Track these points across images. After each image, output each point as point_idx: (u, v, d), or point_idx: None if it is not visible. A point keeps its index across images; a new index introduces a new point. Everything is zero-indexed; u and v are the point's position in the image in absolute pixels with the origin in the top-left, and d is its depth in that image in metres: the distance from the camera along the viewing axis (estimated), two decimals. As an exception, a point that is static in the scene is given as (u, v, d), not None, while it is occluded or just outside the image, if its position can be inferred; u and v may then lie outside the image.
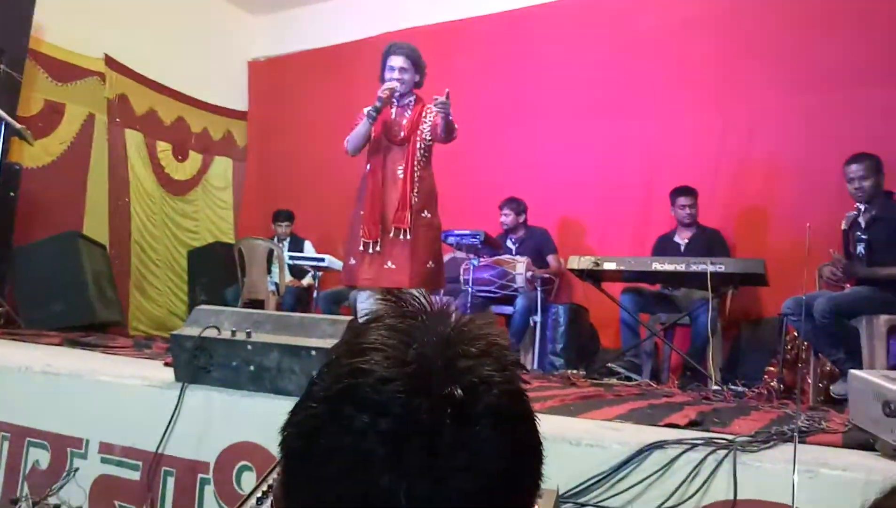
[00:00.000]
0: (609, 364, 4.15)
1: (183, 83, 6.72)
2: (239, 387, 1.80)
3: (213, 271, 6.25)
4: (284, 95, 7.00)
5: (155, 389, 1.83)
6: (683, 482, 1.35)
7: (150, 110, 6.47)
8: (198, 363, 1.82)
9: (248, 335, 1.78)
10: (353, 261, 3.51)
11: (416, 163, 3.54)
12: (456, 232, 4.57)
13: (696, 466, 1.36)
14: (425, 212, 3.54)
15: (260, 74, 7.39)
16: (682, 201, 4.53)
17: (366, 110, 3.48)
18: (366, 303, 3.58)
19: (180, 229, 6.70)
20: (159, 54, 6.43)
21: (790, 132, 4.70)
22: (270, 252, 5.65)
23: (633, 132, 5.24)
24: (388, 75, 3.56)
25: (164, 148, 6.60)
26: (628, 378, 3.98)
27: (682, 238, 4.58)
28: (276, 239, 6.01)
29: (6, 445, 1.96)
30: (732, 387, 3.58)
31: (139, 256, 6.25)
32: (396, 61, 3.57)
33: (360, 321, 0.62)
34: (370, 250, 3.43)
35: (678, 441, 1.42)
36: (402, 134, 3.54)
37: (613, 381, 3.86)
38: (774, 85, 4.78)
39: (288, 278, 5.74)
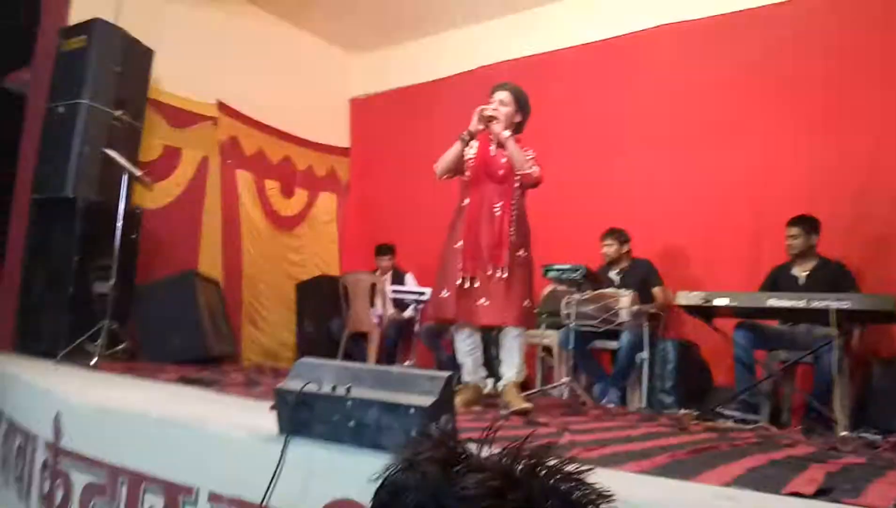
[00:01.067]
0: (723, 411, 3.91)
1: (288, 123, 7.01)
2: (340, 441, 1.80)
3: (320, 304, 6.43)
4: (384, 131, 7.16)
5: (260, 441, 1.87)
6: (813, 568, 1.23)
7: (259, 151, 6.77)
8: (300, 417, 1.83)
9: (348, 390, 1.78)
10: (445, 294, 3.49)
11: (513, 201, 3.53)
12: (557, 266, 4.50)
13: (828, 551, 1.23)
14: (521, 250, 3.53)
15: (361, 111, 7.60)
16: (790, 231, 4.26)
17: (461, 135, 3.52)
18: (466, 342, 3.55)
19: (288, 263, 6.94)
20: (266, 97, 6.73)
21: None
22: (373, 285, 5.75)
23: (741, 159, 5.00)
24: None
25: (272, 186, 6.88)
26: (744, 421, 3.74)
27: (800, 271, 4.29)
28: (378, 272, 6.12)
29: (125, 489, 2.04)
30: (864, 434, 3.31)
31: (251, 290, 6.52)
32: (500, 95, 3.61)
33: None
34: (466, 286, 3.41)
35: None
36: (501, 173, 3.53)
37: (730, 424, 3.64)
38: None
39: (391, 310, 5.81)
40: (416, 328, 5.72)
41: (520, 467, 0.64)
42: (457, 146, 3.52)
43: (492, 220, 3.47)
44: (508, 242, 3.45)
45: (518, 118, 3.64)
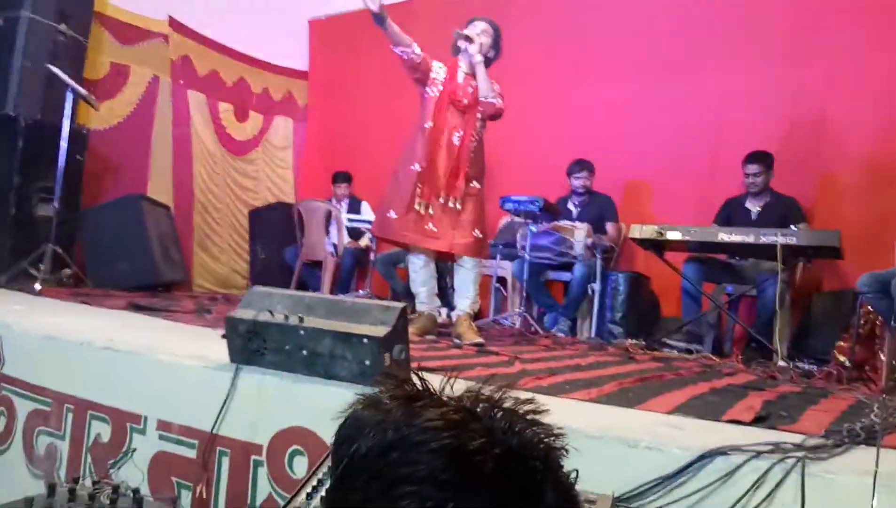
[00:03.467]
0: (668, 341, 4.03)
1: (245, 43, 6.73)
2: (292, 370, 1.80)
3: (274, 231, 6.34)
4: (345, 54, 6.94)
5: (210, 370, 1.85)
6: (746, 493, 1.28)
7: (212, 71, 6.51)
8: (252, 346, 1.82)
9: (301, 319, 1.77)
10: (392, 214, 3.49)
11: (474, 131, 3.54)
12: (514, 198, 4.51)
13: (761, 477, 1.29)
14: (475, 182, 3.55)
15: (320, 32, 7.33)
16: (750, 168, 4.30)
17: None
18: (421, 272, 3.59)
19: (241, 189, 6.78)
20: (221, 15, 6.43)
21: (871, 93, 4.39)
22: (329, 213, 5.68)
23: (699, 93, 5.00)
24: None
25: (225, 109, 6.65)
26: (688, 351, 3.87)
27: (754, 205, 4.37)
28: (334, 200, 6.05)
29: (70, 417, 2.02)
30: (800, 364, 3.45)
31: (202, 215, 6.38)
32: (479, 24, 3.58)
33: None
34: (421, 211, 3.42)
35: (742, 449, 1.35)
36: (466, 101, 3.53)
37: (674, 354, 3.76)
38: (854, 41, 4.46)
39: (346, 239, 5.77)
40: (372, 257, 5.70)
41: (480, 405, 0.66)
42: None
43: (451, 148, 3.47)
44: (465, 172, 3.46)
45: (491, 53, 3.62)
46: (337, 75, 7.05)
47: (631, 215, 4.85)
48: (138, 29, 5.85)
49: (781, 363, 3.40)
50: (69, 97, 4.15)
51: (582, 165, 4.95)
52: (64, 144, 4.13)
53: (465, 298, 3.54)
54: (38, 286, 3.72)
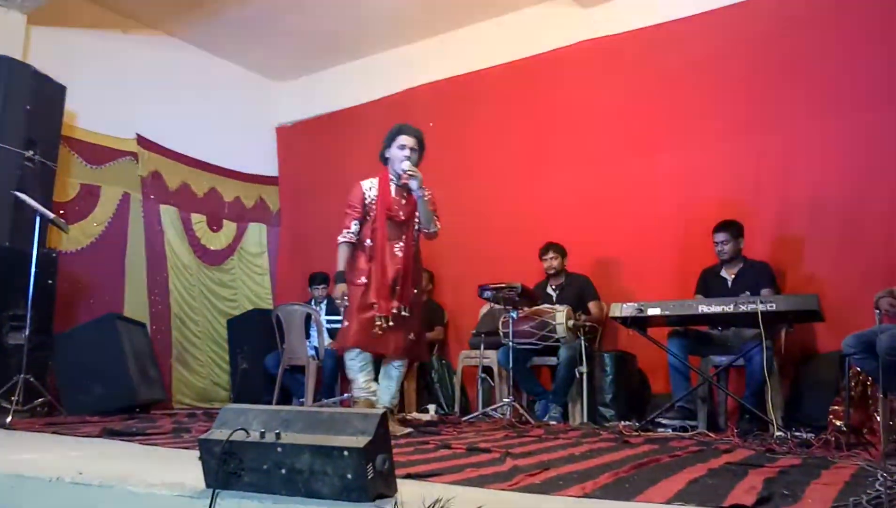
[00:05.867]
0: (661, 420, 3.96)
1: (213, 154, 6.86)
2: (271, 491, 1.70)
3: (254, 339, 6.25)
4: (313, 157, 7.08)
5: (185, 498, 1.75)
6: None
7: (183, 184, 6.59)
8: (228, 469, 1.74)
9: (278, 436, 1.69)
10: (345, 323, 3.73)
11: (413, 242, 3.79)
12: (492, 286, 4.50)
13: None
14: (416, 289, 3.81)
15: (288, 138, 7.49)
16: (718, 236, 4.37)
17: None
18: (356, 360, 3.70)
19: (219, 299, 6.73)
20: (189, 129, 6.58)
21: (831, 158, 4.52)
22: (308, 317, 5.62)
23: (665, 169, 5.13)
24: (398, 153, 3.74)
25: (198, 219, 6.69)
26: (683, 428, 3.79)
27: (728, 273, 4.41)
28: (313, 302, 5.99)
29: (40, 562, 1.89)
30: (797, 433, 3.38)
31: (180, 329, 6.29)
32: (409, 141, 3.78)
33: None
34: (384, 324, 3.61)
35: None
36: (402, 215, 3.75)
37: (669, 433, 3.68)
38: (811, 112, 4.62)
39: (327, 341, 5.69)
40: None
41: None
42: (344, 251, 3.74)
43: (394, 259, 3.70)
44: (411, 280, 3.72)
45: (419, 159, 3.85)
46: (306, 178, 7.15)
47: (610, 294, 4.86)
48: (107, 149, 5.95)
49: (779, 433, 3.34)
50: (38, 222, 4.13)
51: (549, 247, 5.00)
52: (34, 270, 4.07)
53: (388, 392, 3.77)
54: (9, 419, 3.58)
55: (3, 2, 5.03)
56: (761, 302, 3.54)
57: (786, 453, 2.79)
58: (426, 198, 3.72)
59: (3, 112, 4.53)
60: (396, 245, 3.71)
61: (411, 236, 3.76)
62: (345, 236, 3.75)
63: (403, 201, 3.76)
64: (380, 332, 3.60)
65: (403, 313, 3.65)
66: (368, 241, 3.73)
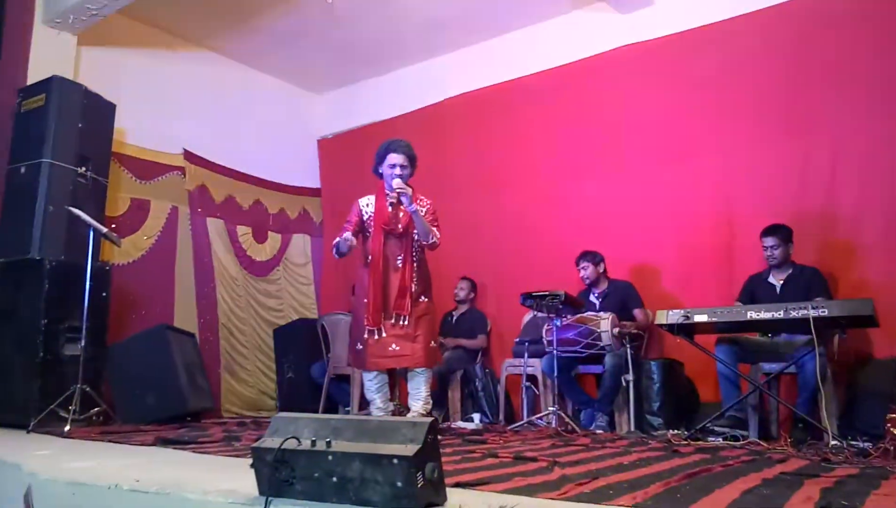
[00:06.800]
0: (712, 427, 3.88)
1: (257, 167, 6.99)
2: (323, 499, 1.73)
3: (299, 348, 6.34)
4: (353, 168, 7.13)
5: (239, 506, 1.79)
6: None
7: (229, 197, 6.72)
8: (280, 476, 1.77)
9: (328, 444, 1.71)
10: (359, 346, 3.87)
11: (413, 253, 3.90)
12: (534, 294, 4.48)
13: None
14: (423, 297, 3.92)
15: (329, 150, 7.59)
16: (767, 241, 4.28)
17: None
18: (374, 381, 3.90)
19: (265, 309, 6.84)
20: (234, 142, 6.73)
21: (878, 159, 4.40)
22: (352, 326, 5.66)
23: (707, 174, 5.06)
24: (389, 171, 3.87)
25: (244, 231, 6.82)
26: (734, 437, 3.71)
27: (777, 279, 4.32)
28: (356, 312, 6.04)
29: (100, 567, 1.95)
30: (853, 442, 3.29)
31: (228, 339, 6.41)
32: (398, 159, 3.88)
33: None
34: (376, 336, 3.80)
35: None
36: (400, 227, 3.87)
37: (719, 442, 3.61)
38: (856, 112, 4.51)
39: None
40: (399, 365, 5.63)
41: None
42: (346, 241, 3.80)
43: (396, 271, 3.84)
44: (411, 291, 3.83)
45: (412, 172, 3.95)
46: (347, 189, 7.19)
47: (653, 301, 4.80)
48: (155, 164, 6.11)
49: (834, 442, 3.25)
50: (91, 236, 4.25)
51: (580, 256, 4.98)
52: (88, 283, 4.20)
53: (418, 399, 3.88)
54: (67, 428, 3.70)
55: (55, 24, 5.21)
56: (813, 308, 3.45)
57: (842, 462, 2.72)
58: (420, 212, 3.83)
59: (57, 130, 4.66)
60: (397, 257, 3.86)
61: (411, 248, 3.89)
62: (339, 238, 3.83)
63: (400, 214, 3.87)
64: (396, 347, 3.77)
65: (403, 321, 3.79)
66: (369, 256, 3.89)
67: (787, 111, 4.79)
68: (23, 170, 4.66)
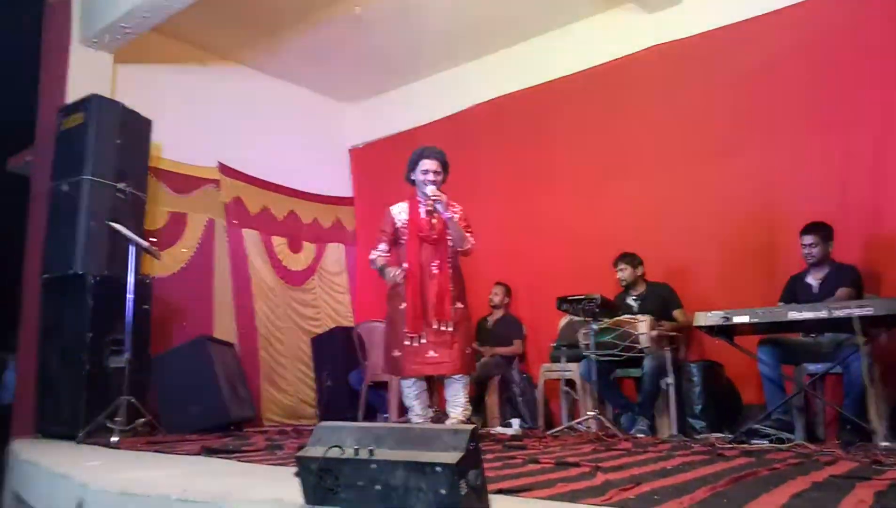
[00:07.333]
0: (756, 426, 3.81)
1: (291, 178, 7.08)
2: (368, 507, 1.74)
3: (337, 357, 6.38)
4: (384, 177, 7.16)
5: (286, 514, 1.81)
6: None
7: (264, 208, 6.81)
8: (325, 485, 1.78)
9: (371, 452, 1.72)
10: (397, 353, 3.88)
11: (449, 258, 3.91)
12: (570, 298, 4.45)
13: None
14: (459, 303, 3.94)
15: (360, 159, 7.66)
16: (806, 239, 4.19)
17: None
18: (412, 388, 3.95)
19: (302, 318, 6.91)
20: (267, 154, 6.83)
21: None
22: (388, 333, 5.69)
23: (743, 172, 4.97)
24: (422, 177, 3.90)
25: (279, 242, 6.90)
26: (780, 440, 3.64)
27: (814, 278, 4.23)
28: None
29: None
30: (905, 443, 3.21)
31: (266, 349, 6.49)
32: (431, 165, 3.92)
33: None
34: (415, 343, 3.81)
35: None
36: (435, 235, 3.89)
37: (765, 445, 3.55)
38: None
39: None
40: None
41: None
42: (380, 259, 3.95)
43: (432, 278, 3.85)
44: (450, 296, 3.85)
45: (444, 177, 3.99)
46: (379, 197, 7.24)
47: (692, 303, 4.73)
48: (191, 178, 6.22)
49: (885, 443, 3.17)
50: (132, 250, 4.33)
51: (618, 258, 4.95)
52: (131, 296, 4.27)
53: (457, 406, 3.90)
54: (115, 439, 3.77)
55: (92, 43, 5.34)
56: (857, 306, 3.37)
57: (894, 464, 2.65)
58: (454, 218, 3.86)
59: (96, 148, 4.77)
60: (433, 264, 3.87)
61: (446, 254, 3.90)
62: (375, 253, 3.95)
63: (434, 221, 3.89)
64: (434, 354, 3.78)
65: (444, 327, 3.80)
66: (405, 263, 3.90)
67: (827, 107, 4.69)
68: (65, 187, 4.77)
